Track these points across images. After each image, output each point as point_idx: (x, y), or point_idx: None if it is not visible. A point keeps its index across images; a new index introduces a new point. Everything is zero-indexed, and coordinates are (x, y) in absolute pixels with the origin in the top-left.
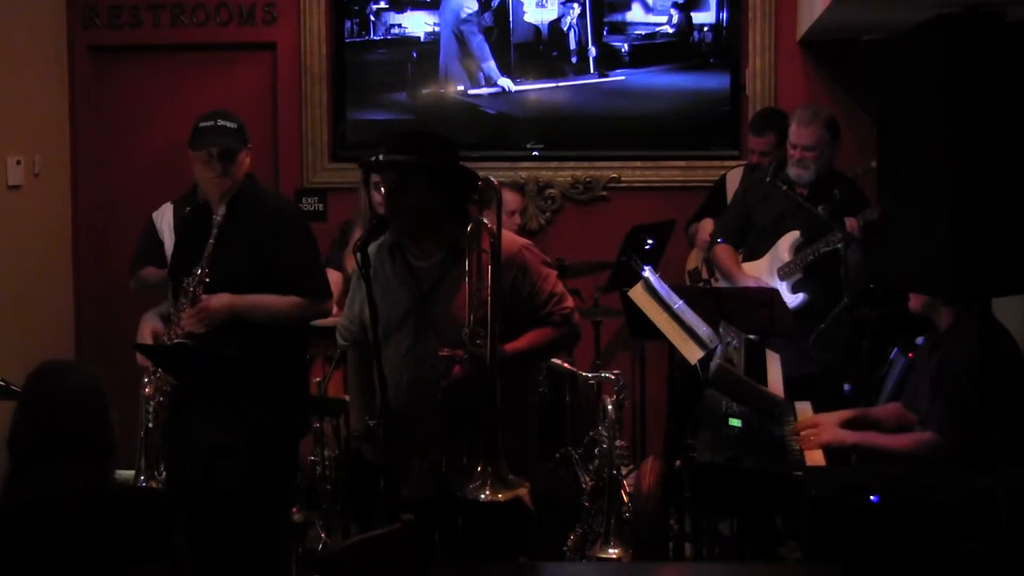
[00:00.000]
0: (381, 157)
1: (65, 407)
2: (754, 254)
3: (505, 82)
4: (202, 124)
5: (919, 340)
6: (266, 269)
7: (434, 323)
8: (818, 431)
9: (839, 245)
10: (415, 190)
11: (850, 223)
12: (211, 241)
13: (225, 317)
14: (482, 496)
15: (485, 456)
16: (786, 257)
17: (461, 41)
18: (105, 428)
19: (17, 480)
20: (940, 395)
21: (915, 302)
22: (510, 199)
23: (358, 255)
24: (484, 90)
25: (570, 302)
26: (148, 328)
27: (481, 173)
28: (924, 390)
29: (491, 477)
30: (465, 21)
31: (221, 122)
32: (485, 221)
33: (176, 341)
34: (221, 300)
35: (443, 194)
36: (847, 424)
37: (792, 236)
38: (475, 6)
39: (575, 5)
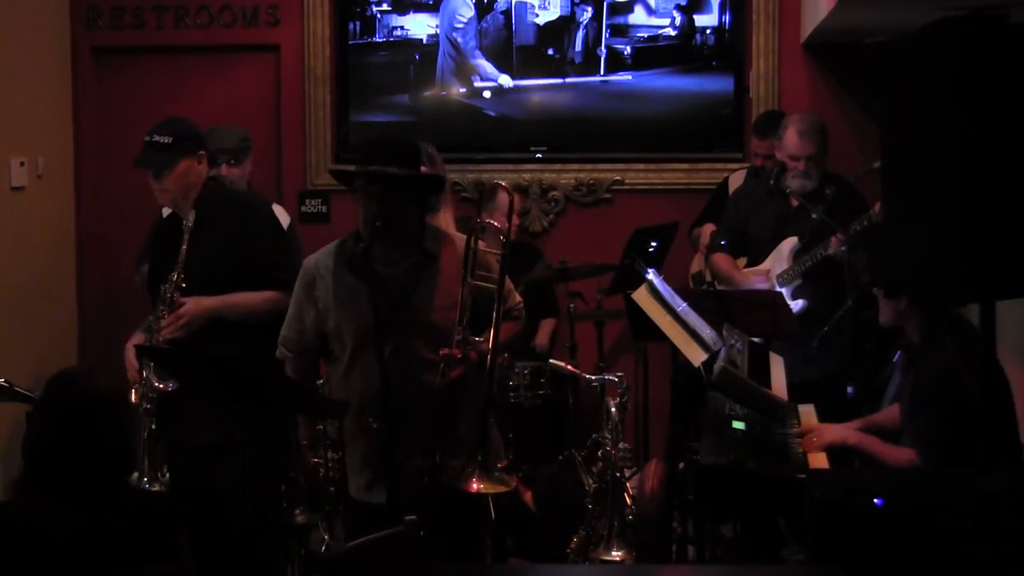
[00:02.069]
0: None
1: (86, 416)
2: (754, 262)
3: (504, 79)
4: (145, 139)
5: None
6: (240, 267)
7: (414, 328)
8: (821, 432)
9: (842, 247)
10: (395, 199)
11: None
12: (184, 246)
13: (203, 320)
14: (472, 486)
15: (474, 448)
16: (786, 263)
17: (456, 47)
18: (122, 437)
19: (30, 484)
20: (916, 416)
21: (885, 317)
22: (507, 200)
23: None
24: (484, 84)
25: (519, 297)
26: (136, 339)
27: (484, 177)
28: (905, 406)
29: (479, 467)
30: (456, 28)
31: (156, 137)
32: (493, 223)
33: (164, 346)
34: (197, 304)
35: (418, 201)
36: None
37: (791, 242)
38: (471, 12)
39: (587, 8)
